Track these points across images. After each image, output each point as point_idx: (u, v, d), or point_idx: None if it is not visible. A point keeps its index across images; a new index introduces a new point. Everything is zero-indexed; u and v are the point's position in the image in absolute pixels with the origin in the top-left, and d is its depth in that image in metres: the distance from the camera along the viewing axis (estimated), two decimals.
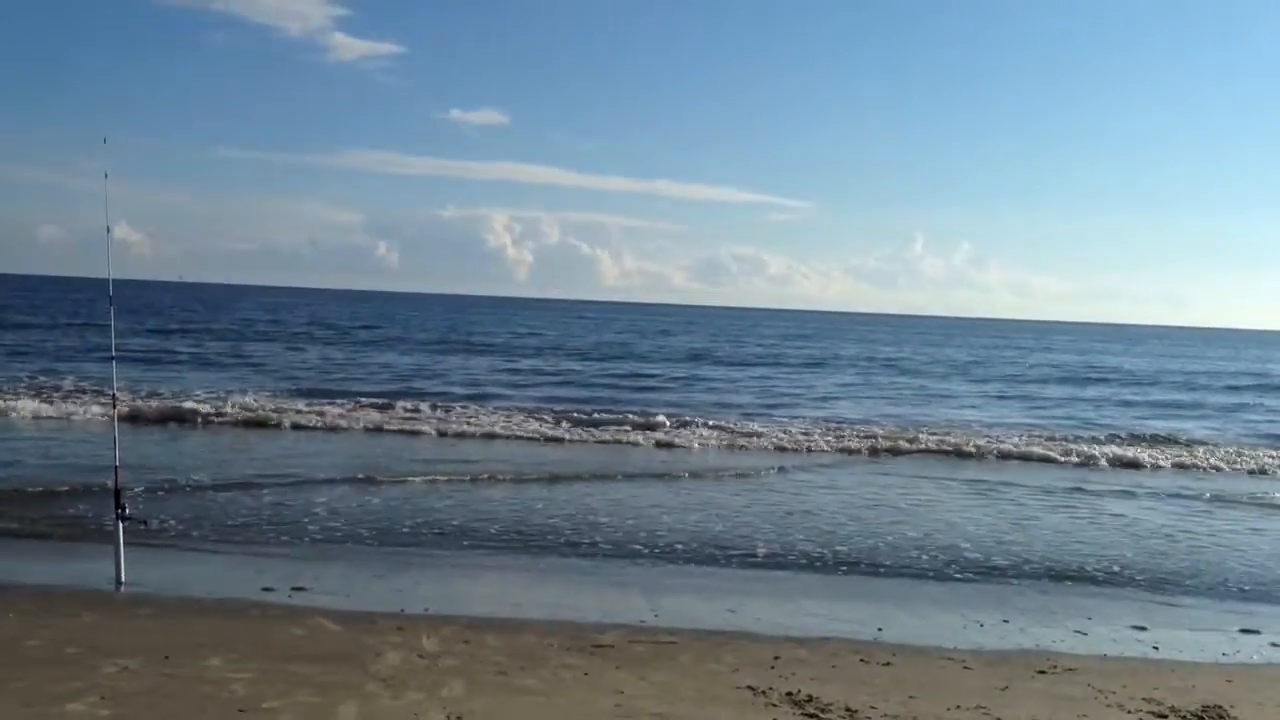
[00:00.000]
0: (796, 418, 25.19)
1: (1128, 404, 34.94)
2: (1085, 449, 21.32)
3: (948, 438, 22.09)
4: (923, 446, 21.05)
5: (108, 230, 9.53)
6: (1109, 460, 20.55)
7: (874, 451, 20.49)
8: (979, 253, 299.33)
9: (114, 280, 9.46)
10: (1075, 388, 41.06)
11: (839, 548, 11.73)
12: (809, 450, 20.23)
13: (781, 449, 20.21)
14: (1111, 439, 23.65)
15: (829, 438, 21.28)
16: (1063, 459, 20.49)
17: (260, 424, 20.26)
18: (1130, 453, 21.34)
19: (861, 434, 21.99)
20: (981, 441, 21.73)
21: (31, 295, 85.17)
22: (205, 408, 21.01)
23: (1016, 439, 22.50)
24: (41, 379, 25.02)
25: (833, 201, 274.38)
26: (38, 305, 67.80)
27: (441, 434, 20.16)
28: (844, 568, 10.93)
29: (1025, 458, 20.57)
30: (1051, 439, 22.90)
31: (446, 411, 22.67)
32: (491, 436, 20.18)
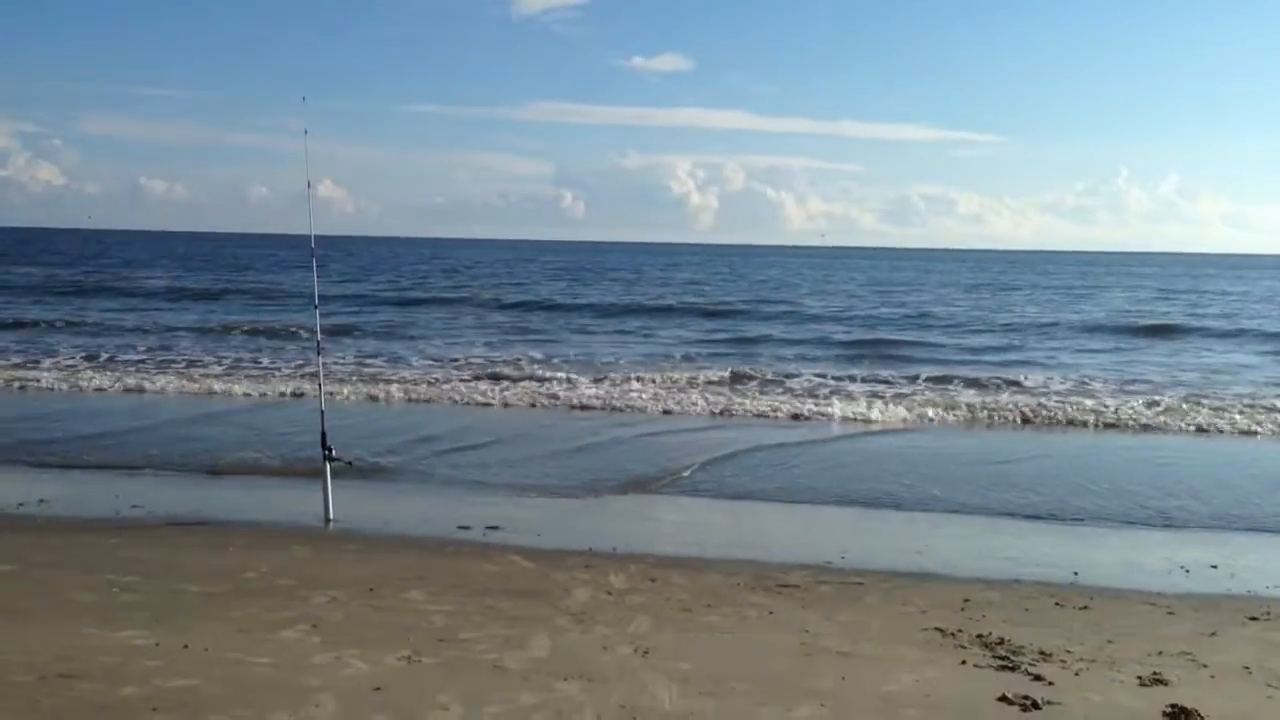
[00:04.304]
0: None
1: None
2: None
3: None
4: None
5: (308, 185, 9.99)
6: None
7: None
8: (1188, 184, 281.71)
9: (317, 236, 9.93)
10: None
11: (1034, 496, 11.36)
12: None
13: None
14: None
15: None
16: None
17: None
18: None
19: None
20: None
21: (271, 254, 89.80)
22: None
23: None
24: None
25: (1025, 135, 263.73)
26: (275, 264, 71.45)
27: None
28: (1039, 514, 10.58)
29: None
30: None
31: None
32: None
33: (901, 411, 16.51)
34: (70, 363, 20.73)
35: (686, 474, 11.89)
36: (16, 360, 20.93)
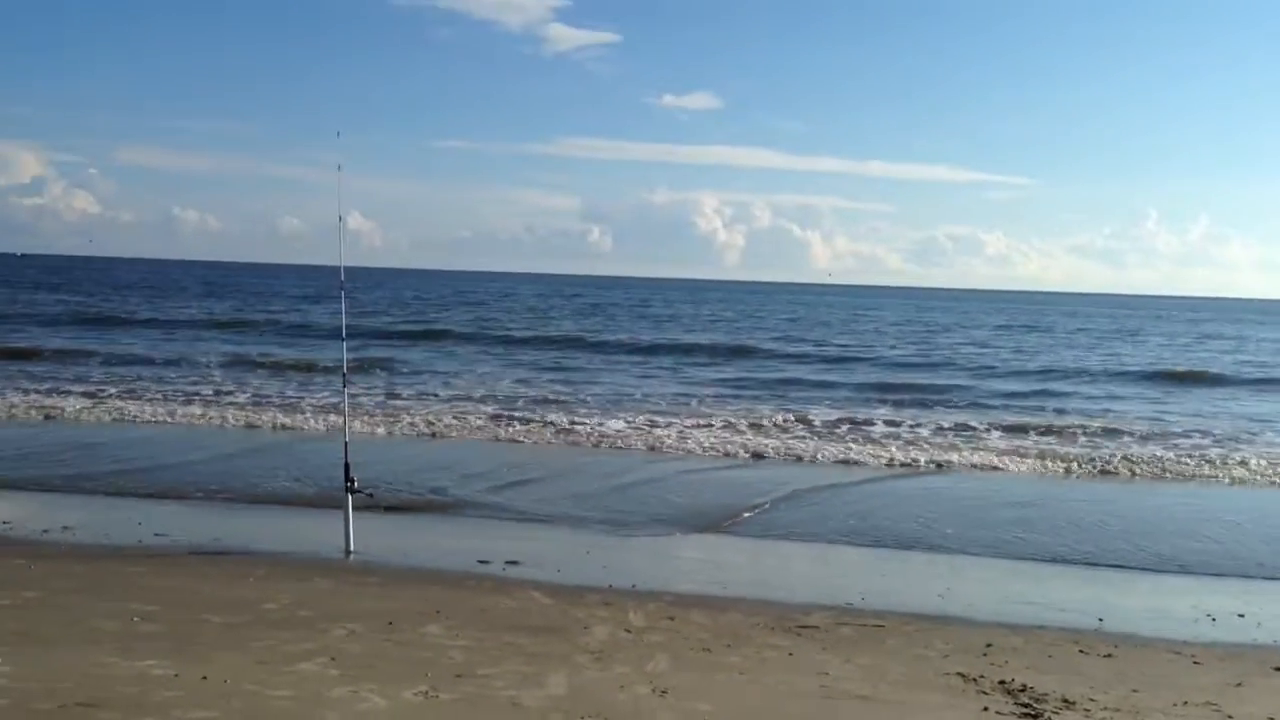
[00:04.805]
0: None
1: None
2: None
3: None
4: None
5: (340, 219, 10.10)
6: None
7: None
8: (1218, 227, 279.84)
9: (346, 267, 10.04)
10: None
11: (1059, 539, 11.27)
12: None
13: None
14: None
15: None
16: None
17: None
18: None
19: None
20: None
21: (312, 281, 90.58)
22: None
23: None
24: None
25: (1052, 177, 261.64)
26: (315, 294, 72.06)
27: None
28: (1062, 558, 10.48)
29: None
30: None
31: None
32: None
33: (927, 454, 16.42)
34: (97, 391, 20.89)
35: (709, 513, 11.86)
36: (46, 388, 21.13)
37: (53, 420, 17.79)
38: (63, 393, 20.43)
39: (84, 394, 20.36)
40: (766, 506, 12.30)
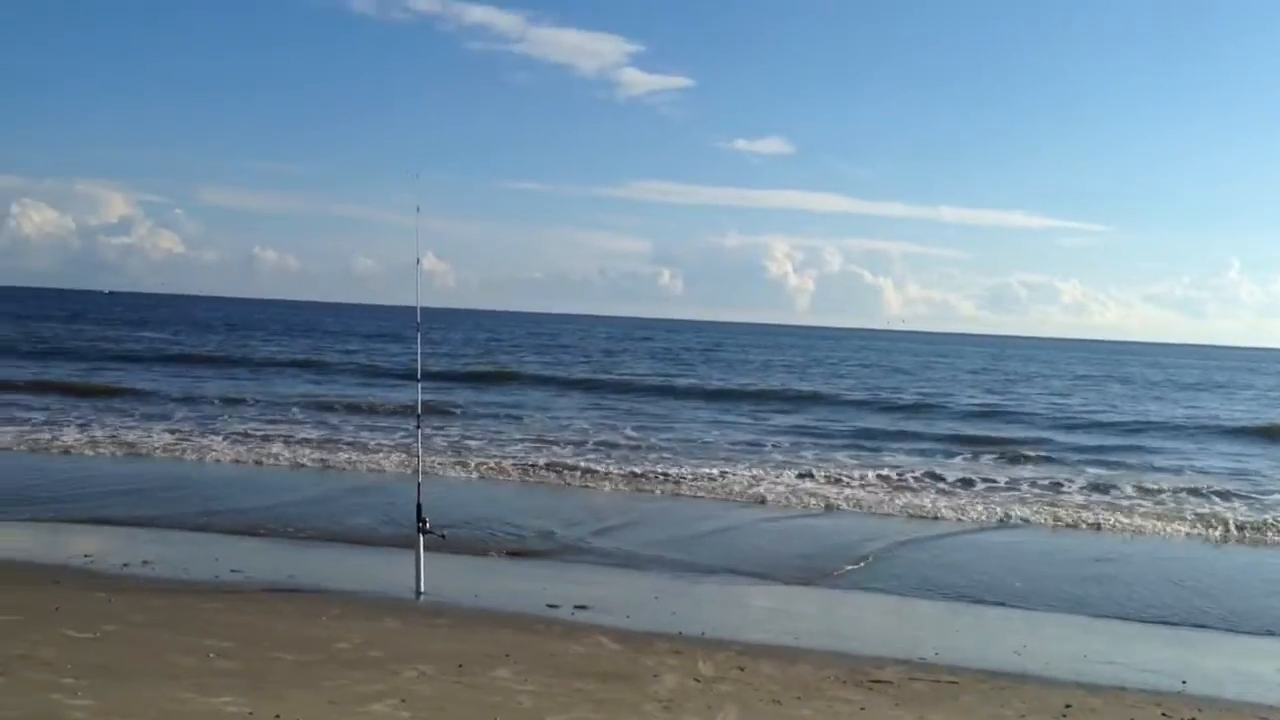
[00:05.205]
0: None
1: None
2: None
3: None
4: None
5: (418, 261, 10.26)
6: None
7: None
8: None
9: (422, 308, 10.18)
10: None
11: (1140, 597, 10.98)
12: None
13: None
14: None
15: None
16: None
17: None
18: None
19: None
20: None
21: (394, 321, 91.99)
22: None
23: None
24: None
25: (1130, 224, 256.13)
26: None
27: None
28: (1143, 617, 10.20)
29: None
30: None
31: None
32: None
33: (1003, 507, 16.13)
34: (177, 428, 21.35)
35: (780, 562, 11.76)
36: (129, 424, 21.65)
37: (135, 456, 18.18)
38: (145, 429, 20.89)
39: (166, 430, 20.82)
40: (840, 557, 12.16)
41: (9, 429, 20.03)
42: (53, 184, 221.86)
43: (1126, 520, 15.51)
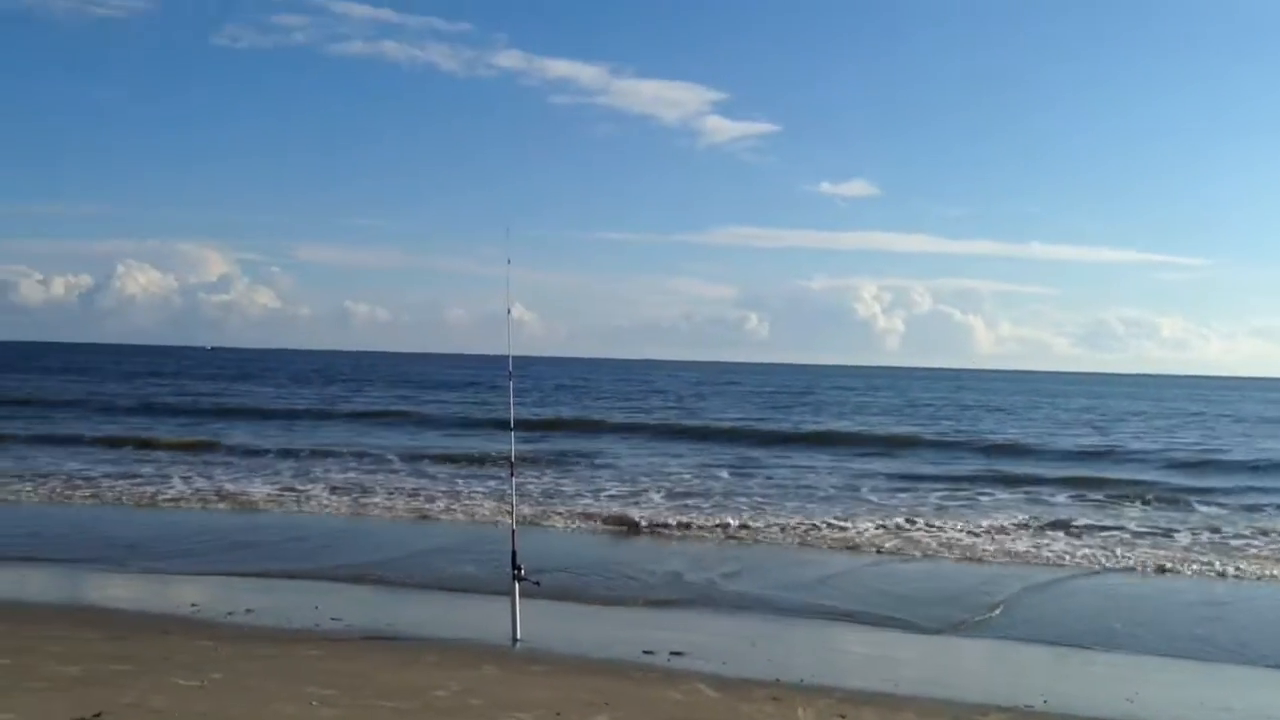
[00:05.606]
0: None
1: None
2: None
3: None
4: None
5: (508, 311, 10.40)
6: None
7: None
8: None
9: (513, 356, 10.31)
10: None
11: (1260, 643, 10.55)
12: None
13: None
14: None
15: None
16: None
17: None
18: None
19: None
20: None
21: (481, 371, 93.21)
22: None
23: None
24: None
25: (1231, 257, 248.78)
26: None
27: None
28: (1262, 663, 9.80)
29: None
30: None
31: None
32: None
33: (1115, 551, 15.67)
34: (274, 480, 21.81)
35: (881, 607, 11.55)
36: (234, 475, 22.20)
37: (238, 509, 18.59)
38: (245, 480, 21.39)
39: (264, 482, 21.30)
40: (945, 603, 11.91)
41: (120, 483, 20.67)
42: (155, 244, 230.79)
43: (1243, 564, 14.94)
